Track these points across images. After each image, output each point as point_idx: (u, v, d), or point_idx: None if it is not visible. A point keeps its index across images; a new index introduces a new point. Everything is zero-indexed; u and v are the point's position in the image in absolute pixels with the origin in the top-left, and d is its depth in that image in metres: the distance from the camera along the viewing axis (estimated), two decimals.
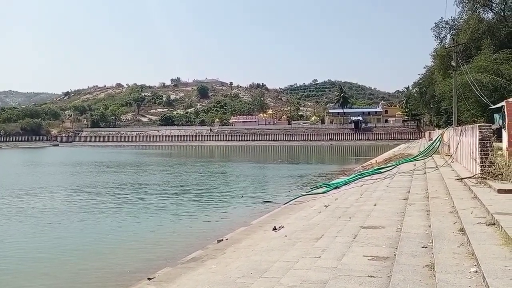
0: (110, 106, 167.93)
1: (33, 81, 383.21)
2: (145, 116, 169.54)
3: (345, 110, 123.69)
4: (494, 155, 10.23)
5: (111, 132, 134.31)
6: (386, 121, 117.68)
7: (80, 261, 9.94)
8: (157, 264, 8.99)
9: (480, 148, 9.95)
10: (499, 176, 9.21)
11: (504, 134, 13.34)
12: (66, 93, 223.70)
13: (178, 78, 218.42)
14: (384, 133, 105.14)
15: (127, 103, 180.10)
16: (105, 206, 17.56)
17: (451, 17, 45.22)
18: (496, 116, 21.28)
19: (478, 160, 10.07)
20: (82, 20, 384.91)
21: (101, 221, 14.61)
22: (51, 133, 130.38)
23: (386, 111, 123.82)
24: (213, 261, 7.69)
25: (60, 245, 11.49)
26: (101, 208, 17.04)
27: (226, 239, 9.92)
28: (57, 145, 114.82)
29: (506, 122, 12.12)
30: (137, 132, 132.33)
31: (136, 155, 63.19)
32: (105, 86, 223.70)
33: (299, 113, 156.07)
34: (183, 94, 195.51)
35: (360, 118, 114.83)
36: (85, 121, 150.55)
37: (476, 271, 4.01)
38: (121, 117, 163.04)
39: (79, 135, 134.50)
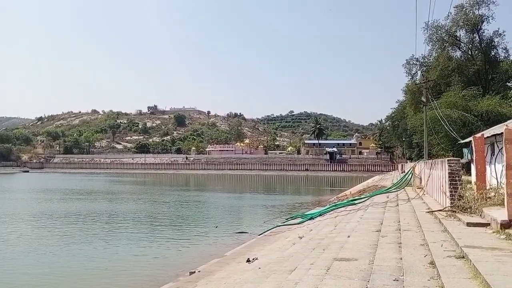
0: (85, 132, 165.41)
1: (6, 106, 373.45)
2: (120, 143, 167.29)
3: (320, 141, 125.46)
4: (463, 189, 10.50)
5: (84, 159, 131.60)
6: (360, 153, 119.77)
7: None
8: None
9: (449, 182, 10.19)
10: (468, 210, 9.43)
11: (473, 168, 13.77)
12: (39, 118, 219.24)
13: (155, 106, 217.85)
14: (359, 165, 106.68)
15: (102, 129, 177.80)
16: (72, 236, 16.98)
17: (422, 54, 47.12)
18: (465, 150, 22.03)
19: (448, 194, 10.30)
20: (56, 45, 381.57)
21: (67, 251, 14.11)
22: (21, 159, 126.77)
23: (360, 143, 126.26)
24: None
25: (24, 274, 11.02)
26: (68, 238, 16.47)
27: (199, 271, 9.72)
28: (27, 171, 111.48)
29: (474, 156, 12.52)
30: (111, 159, 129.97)
31: (109, 183, 61.86)
32: (80, 112, 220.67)
33: (276, 143, 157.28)
34: (159, 122, 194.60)
35: (335, 149, 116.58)
36: (57, 147, 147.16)
37: None
38: (96, 144, 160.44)
39: (50, 161, 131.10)
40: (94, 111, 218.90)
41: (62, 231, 18.07)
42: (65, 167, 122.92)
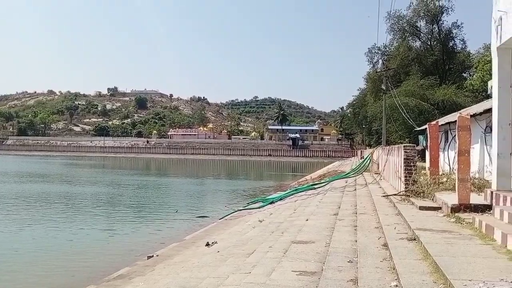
0: (40, 113, 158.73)
1: None
2: (78, 126, 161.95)
3: (283, 127, 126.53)
4: (418, 174, 10.86)
5: (39, 141, 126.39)
6: (322, 139, 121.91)
7: None
8: (80, 281, 8.45)
9: (404, 167, 10.51)
10: (421, 194, 9.79)
11: (427, 155, 14.27)
12: None
13: (115, 88, 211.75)
14: (320, 151, 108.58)
15: (59, 111, 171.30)
16: (25, 219, 16.30)
17: (383, 43, 48.15)
18: (421, 137, 22.83)
19: (403, 178, 10.63)
20: (10, 21, 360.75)
21: (20, 234, 13.57)
22: None
23: (322, 130, 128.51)
24: (141, 278, 7.37)
25: None
26: (20, 221, 15.81)
27: (157, 255, 9.59)
28: None
29: (429, 143, 12.96)
30: (69, 142, 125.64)
31: (65, 166, 59.83)
32: (35, 92, 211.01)
33: (240, 128, 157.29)
34: (120, 104, 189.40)
35: (298, 135, 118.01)
36: (11, 129, 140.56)
37: (396, 285, 4.16)
38: (52, 126, 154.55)
39: (3, 143, 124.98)
40: (51, 92, 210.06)
41: (10, 215, 17.31)
42: (19, 150, 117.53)
